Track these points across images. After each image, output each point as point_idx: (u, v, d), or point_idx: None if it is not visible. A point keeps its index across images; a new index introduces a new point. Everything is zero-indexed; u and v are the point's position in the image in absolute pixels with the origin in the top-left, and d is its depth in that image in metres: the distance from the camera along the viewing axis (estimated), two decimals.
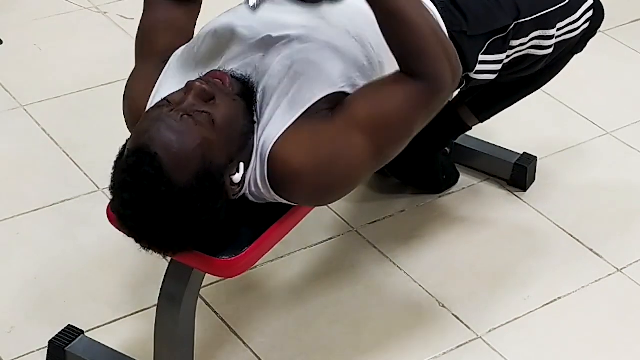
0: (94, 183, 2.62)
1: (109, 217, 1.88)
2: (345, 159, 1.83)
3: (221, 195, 1.78)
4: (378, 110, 1.84)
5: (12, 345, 2.20)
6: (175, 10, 2.02)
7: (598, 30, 2.37)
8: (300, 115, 1.83)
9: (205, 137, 1.74)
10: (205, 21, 2.03)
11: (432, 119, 1.92)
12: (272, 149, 1.81)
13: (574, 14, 2.26)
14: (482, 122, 2.52)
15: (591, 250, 2.51)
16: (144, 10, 2.06)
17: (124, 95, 1.99)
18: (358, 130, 1.82)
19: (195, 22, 2.07)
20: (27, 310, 2.29)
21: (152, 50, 2.00)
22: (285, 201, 1.87)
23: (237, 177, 1.80)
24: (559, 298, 2.38)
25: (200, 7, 2.07)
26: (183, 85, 1.84)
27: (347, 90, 1.88)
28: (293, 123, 1.82)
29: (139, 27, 2.05)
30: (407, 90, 1.85)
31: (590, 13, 2.29)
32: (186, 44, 1.99)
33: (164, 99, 1.79)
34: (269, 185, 1.83)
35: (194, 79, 1.85)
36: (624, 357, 2.26)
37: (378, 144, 1.84)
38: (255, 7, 1.91)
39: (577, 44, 2.35)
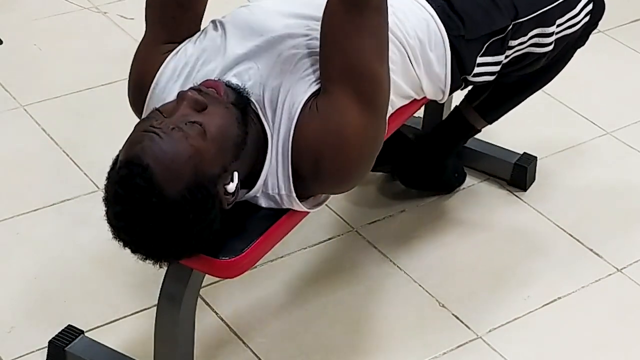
0: (94, 183, 2.62)
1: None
2: (343, 125, 1.81)
3: (214, 206, 1.77)
4: (341, 66, 1.81)
5: (12, 345, 2.20)
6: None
7: (598, 26, 2.37)
8: (303, 107, 1.83)
9: (197, 148, 1.72)
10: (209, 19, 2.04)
11: (431, 113, 1.91)
12: (293, 138, 1.81)
13: (573, 8, 2.25)
14: (490, 123, 2.50)
15: (591, 250, 2.51)
16: None
17: (131, 69, 1.99)
18: (336, 97, 1.81)
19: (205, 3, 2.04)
20: (27, 310, 2.29)
21: (163, 28, 1.99)
22: (301, 204, 1.87)
23: (231, 187, 1.79)
24: (559, 298, 2.38)
25: None
26: (182, 82, 1.84)
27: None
28: (300, 113, 1.82)
29: None
30: (354, 26, 1.81)
31: (590, 6, 2.29)
32: (188, 40, 1.98)
33: (156, 109, 1.78)
34: (291, 178, 1.83)
35: (192, 77, 1.85)
36: (624, 357, 2.26)
37: (361, 97, 1.82)
38: None
39: (578, 38, 2.34)
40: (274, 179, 1.85)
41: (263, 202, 1.89)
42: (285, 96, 1.85)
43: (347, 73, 1.82)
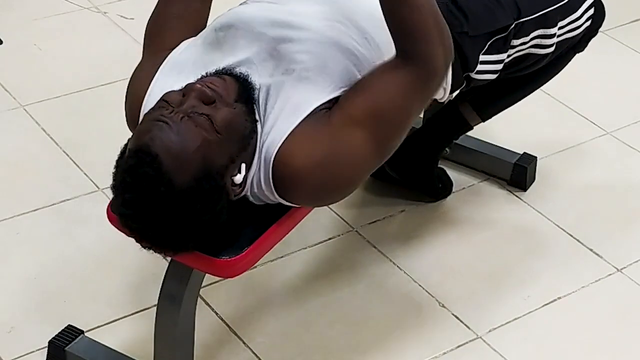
0: (94, 183, 2.62)
1: (109, 217, 1.88)
2: (347, 157, 1.82)
3: (222, 196, 1.78)
4: (373, 103, 1.83)
5: (12, 345, 2.20)
6: (190, 3, 2.01)
7: (599, 30, 2.37)
8: (304, 119, 1.83)
9: (206, 138, 1.73)
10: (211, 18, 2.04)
11: (430, 109, 1.91)
12: (277, 152, 1.80)
13: (575, 12, 2.26)
14: (484, 121, 2.51)
15: (591, 250, 2.51)
16: (158, 1, 2.05)
17: (127, 89, 1.99)
18: (356, 127, 1.82)
19: (208, 15, 2.05)
20: (27, 310, 2.29)
21: (161, 45, 1.99)
22: (288, 203, 1.87)
23: (238, 178, 1.80)
24: (559, 298, 2.38)
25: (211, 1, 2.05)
26: (181, 82, 1.84)
27: (347, 89, 1.88)
28: (297, 126, 1.82)
29: (151, 18, 2.03)
30: (399, 77, 1.84)
31: (592, 11, 2.29)
32: (189, 39, 1.99)
33: (162, 99, 1.79)
34: (273, 187, 1.83)
35: (192, 76, 1.85)
36: (624, 357, 2.26)
37: (378, 138, 1.84)
38: None
39: (578, 43, 2.34)
40: (258, 179, 1.85)
41: (256, 200, 1.89)
42: (285, 102, 1.84)
43: (379, 112, 1.83)
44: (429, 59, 1.85)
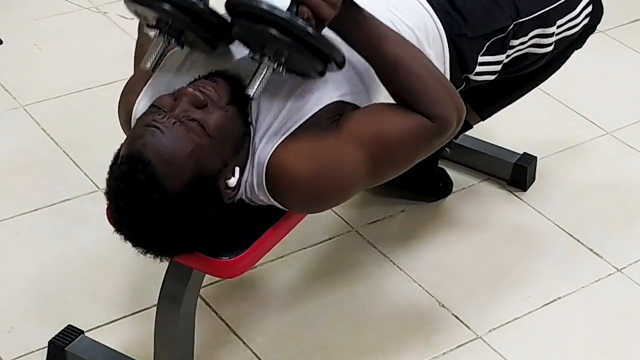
0: (94, 183, 2.62)
1: (108, 217, 1.88)
2: (342, 172, 1.83)
3: (215, 200, 1.78)
4: (383, 133, 1.84)
5: (12, 345, 2.20)
6: None
7: (597, 28, 2.37)
8: (301, 125, 1.83)
9: (198, 143, 1.73)
10: None
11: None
12: (271, 156, 1.80)
13: (573, 10, 2.25)
14: (483, 119, 2.50)
15: (591, 250, 2.51)
16: (138, 33, 2.06)
17: (120, 96, 1.99)
18: (360, 147, 1.82)
19: None
20: (27, 310, 2.29)
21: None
22: (281, 206, 1.87)
23: (232, 182, 1.79)
24: (559, 298, 2.38)
25: None
26: (171, 85, 1.84)
27: (346, 99, 1.88)
28: (294, 132, 1.82)
29: (135, 46, 2.06)
30: (415, 122, 1.86)
31: (590, 9, 2.29)
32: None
33: (153, 104, 1.78)
34: (266, 190, 1.83)
35: (184, 79, 1.84)
36: (624, 357, 2.26)
37: (376, 165, 1.85)
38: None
39: (576, 40, 2.34)
40: (251, 183, 1.85)
41: (252, 203, 1.89)
42: (281, 106, 1.84)
43: (386, 142, 1.84)
44: (443, 117, 1.87)
